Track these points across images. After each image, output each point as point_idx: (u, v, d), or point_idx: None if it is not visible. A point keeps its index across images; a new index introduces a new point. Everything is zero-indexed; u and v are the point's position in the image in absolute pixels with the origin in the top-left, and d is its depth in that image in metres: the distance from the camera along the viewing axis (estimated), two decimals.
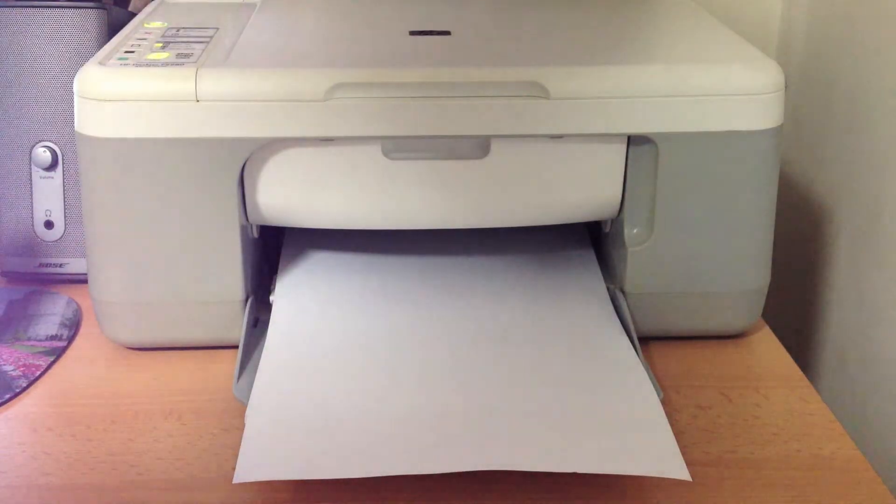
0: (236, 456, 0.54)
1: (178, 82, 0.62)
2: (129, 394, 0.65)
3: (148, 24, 0.74)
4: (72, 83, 0.64)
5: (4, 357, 0.68)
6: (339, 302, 0.69)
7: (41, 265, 0.79)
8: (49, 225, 0.78)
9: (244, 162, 0.64)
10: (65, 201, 0.78)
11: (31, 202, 0.78)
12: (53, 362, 0.68)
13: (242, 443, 0.55)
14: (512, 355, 0.64)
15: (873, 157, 0.81)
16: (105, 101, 0.62)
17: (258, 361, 0.63)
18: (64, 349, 0.70)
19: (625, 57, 0.69)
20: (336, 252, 0.75)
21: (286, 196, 0.67)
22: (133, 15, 0.81)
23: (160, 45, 0.69)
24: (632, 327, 0.67)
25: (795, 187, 0.96)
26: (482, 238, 0.76)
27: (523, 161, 0.67)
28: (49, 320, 0.73)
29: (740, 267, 0.69)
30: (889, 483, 0.58)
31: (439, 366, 0.63)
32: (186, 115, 0.62)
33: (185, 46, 0.68)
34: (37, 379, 0.67)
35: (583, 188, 0.68)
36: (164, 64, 0.64)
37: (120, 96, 0.62)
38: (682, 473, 0.53)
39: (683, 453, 0.55)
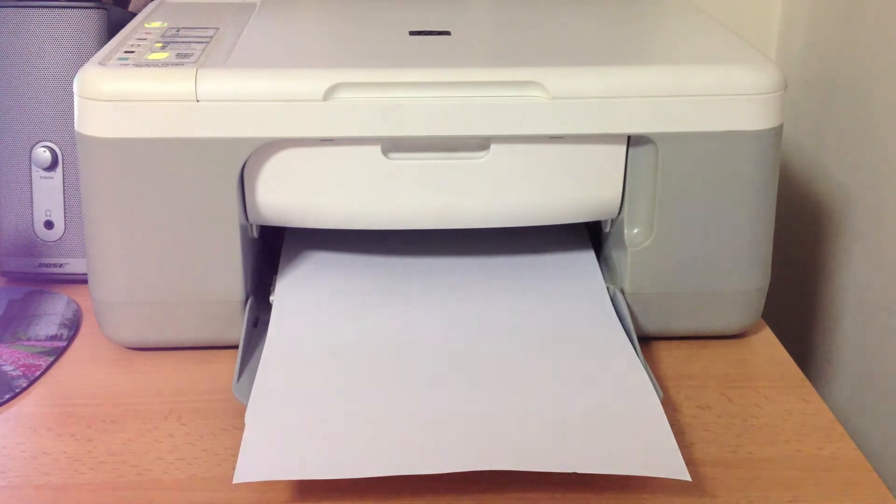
0: (236, 456, 0.54)
1: (178, 82, 0.62)
2: (129, 394, 0.65)
3: (148, 24, 0.74)
4: (72, 83, 0.64)
5: (4, 357, 0.68)
6: (338, 302, 0.69)
7: (41, 265, 0.79)
8: (49, 225, 0.78)
9: (244, 162, 0.64)
10: (65, 201, 0.78)
11: (31, 202, 0.78)
12: (53, 362, 0.68)
13: (242, 443, 0.55)
14: (512, 355, 0.64)
15: (873, 157, 0.81)
16: (105, 101, 0.62)
17: (258, 361, 0.63)
18: (64, 349, 0.70)
19: (624, 57, 0.69)
20: (336, 252, 0.75)
21: (286, 196, 0.67)
22: (133, 15, 0.81)
23: (160, 45, 0.69)
24: (632, 327, 0.67)
25: (795, 187, 0.96)
26: (482, 238, 0.76)
27: (523, 161, 0.67)
28: (49, 320, 0.73)
29: (740, 267, 0.69)
30: (889, 483, 0.58)
31: (439, 366, 0.63)
32: (186, 115, 0.62)
33: (185, 46, 0.68)
34: (37, 379, 0.67)
35: (583, 188, 0.68)
36: (164, 64, 0.64)
37: (120, 96, 0.62)
38: (682, 473, 0.54)
39: (683, 453, 0.55)
